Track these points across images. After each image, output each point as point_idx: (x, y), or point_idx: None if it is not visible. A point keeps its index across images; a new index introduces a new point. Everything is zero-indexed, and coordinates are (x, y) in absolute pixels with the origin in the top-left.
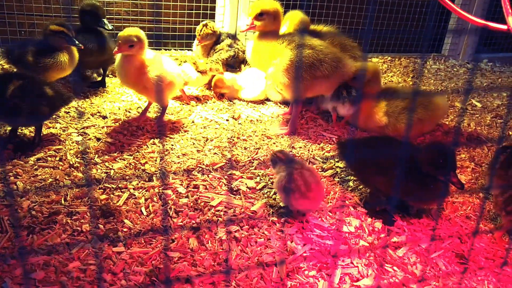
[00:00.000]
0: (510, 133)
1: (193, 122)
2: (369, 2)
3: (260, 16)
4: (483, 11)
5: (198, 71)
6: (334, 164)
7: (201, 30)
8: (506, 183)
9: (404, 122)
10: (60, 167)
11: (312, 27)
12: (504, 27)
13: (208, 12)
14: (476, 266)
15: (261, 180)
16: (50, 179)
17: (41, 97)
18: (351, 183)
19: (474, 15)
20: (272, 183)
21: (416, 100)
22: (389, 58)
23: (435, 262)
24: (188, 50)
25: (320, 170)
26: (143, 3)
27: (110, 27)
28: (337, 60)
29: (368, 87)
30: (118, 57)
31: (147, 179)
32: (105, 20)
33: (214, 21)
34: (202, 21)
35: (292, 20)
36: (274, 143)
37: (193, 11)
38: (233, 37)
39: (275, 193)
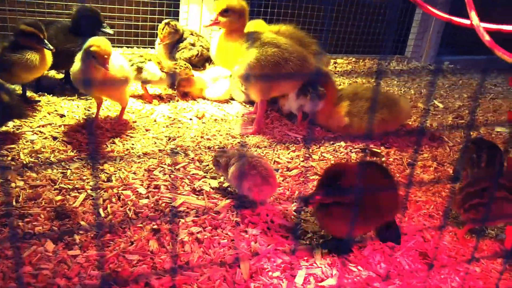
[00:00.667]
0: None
1: (155, 121)
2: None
3: (225, 12)
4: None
5: (164, 72)
6: (299, 164)
7: (163, 29)
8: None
9: (367, 122)
10: (11, 167)
11: (271, 27)
12: (467, 22)
13: (172, 9)
14: (439, 264)
15: (225, 180)
16: (1, 180)
17: None
18: (315, 183)
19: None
20: None
21: (378, 100)
22: (354, 59)
23: (399, 261)
24: (151, 48)
25: (285, 169)
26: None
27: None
28: (303, 59)
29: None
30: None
31: (105, 180)
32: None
33: (178, 18)
34: (165, 18)
35: (256, 28)
36: (239, 143)
37: (157, 8)
38: (197, 35)
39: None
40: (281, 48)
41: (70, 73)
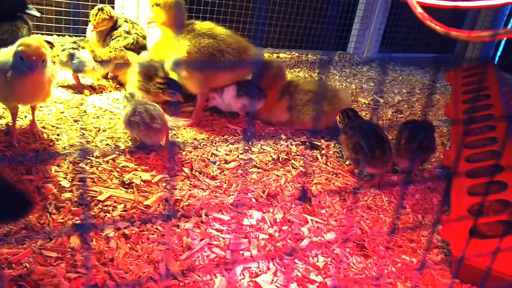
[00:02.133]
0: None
1: (84, 111)
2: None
3: (155, 5)
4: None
5: (97, 61)
6: (238, 156)
7: (96, 15)
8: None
9: (308, 114)
10: None
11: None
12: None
13: None
14: (377, 256)
15: (159, 173)
16: None
17: None
18: (254, 175)
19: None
20: (170, 175)
21: (317, 92)
22: (296, 54)
23: (336, 253)
24: (83, 35)
25: (223, 162)
26: None
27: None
28: (242, 51)
29: (274, 82)
30: None
31: (24, 172)
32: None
33: (113, 6)
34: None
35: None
36: (175, 135)
37: None
38: (132, 22)
39: (173, 187)
40: (217, 39)
41: None
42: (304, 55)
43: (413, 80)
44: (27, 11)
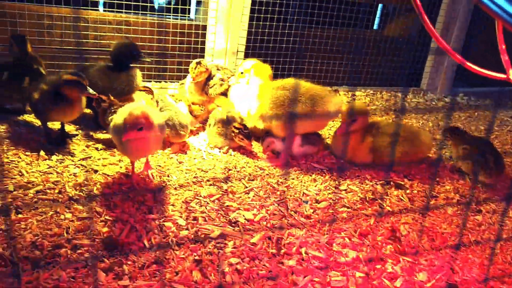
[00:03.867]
0: None
1: (186, 153)
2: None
3: (241, 73)
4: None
5: (193, 115)
6: (327, 196)
7: (195, 68)
8: None
9: (390, 156)
10: (60, 200)
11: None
12: (502, 76)
13: (199, 45)
14: None
15: (259, 212)
16: (51, 212)
17: None
18: (344, 215)
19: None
20: (269, 214)
21: (400, 134)
22: (371, 92)
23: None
24: (177, 81)
25: (314, 201)
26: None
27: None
28: (322, 102)
29: (357, 125)
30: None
31: (147, 212)
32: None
33: (204, 54)
34: (193, 56)
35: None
36: (267, 174)
37: (184, 45)
38: (223, 68)
39: (273, 225)
40: (290, 90)
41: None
42: (379, 92)
43: (490, 116)
44: (141, 59)
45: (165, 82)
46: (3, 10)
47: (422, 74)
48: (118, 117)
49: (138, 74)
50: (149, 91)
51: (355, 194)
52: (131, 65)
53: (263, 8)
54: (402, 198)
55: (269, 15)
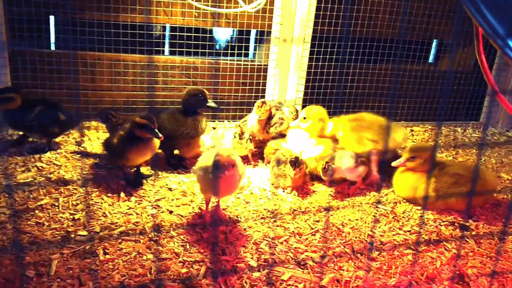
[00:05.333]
0: None
1: (251, 193)
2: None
3: (304, 119)
4: None
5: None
6: (392, 237)
7: (261, 107)
8: None
9: (454, 196)
10: (141, 241)
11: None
12: None
13: (261, 86)
14: None
15: (326, 254)
16: (134, 253)
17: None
18: (410, 257)
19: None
20: (335, 255)
21: (463, 174)
22: (430, 127)
23: None
24: (238, 120)
25: (379, 243)
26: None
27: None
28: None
29: (423, 166)
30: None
31: (220, 253)
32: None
33: (264, 95)
34: (255, 96)
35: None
36: (332, 215)
37: (247, 87)
38: (281, 105)
39: (341, 268)
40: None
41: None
42: (437, 127)
43: None
44: (208, 104)
45: (228, 121)
46: (85, 59)
47: (482, 108)
48: (204, 160)
49: (203, 120)
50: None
51: (420, 235)
52: (199, 110)
53: (322, 49)
54: (468, 240)
55: (327, 56)
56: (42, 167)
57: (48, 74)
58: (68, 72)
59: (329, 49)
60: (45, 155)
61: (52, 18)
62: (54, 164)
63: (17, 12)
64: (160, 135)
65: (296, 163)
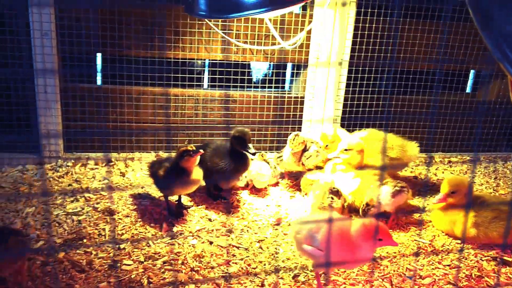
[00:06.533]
0: None
1: (289, 224)
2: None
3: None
4: None
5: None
6: (431, 271)
7: (294, 139)
8: None
9: (496, 231)
10: (183, 271)
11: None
12: None
13: (297, 118)
14: None
15: (364, 287)
16: (178, 283)
17: None
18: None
19: None
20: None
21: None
22: (468, 158)
23: None
24: (272, 151)
25: (418, 277)
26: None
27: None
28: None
29: (457, 198)
30: None
31: (260, 285)
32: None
33: (301, 126)
34: (292, 128)
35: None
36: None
37: (284, 119)
38: (317, 143)
39: None
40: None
41: None
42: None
43: None
44: (247, 149)
45: (265, 152)
46: (130, 94)
47: None
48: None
49: (247, 157)
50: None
51: (460, 270)
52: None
53: (358, 82)
54: (511, 276)
55: (363, 88)
56: (89, 197)
57: (96, 108)
58: (114, 106)
59: (365, 82)
60: (92, 185)
61: (99, 56)
62: (100, 194)
63: (68, 51)
64: (202, 150)
65: (337, 194)
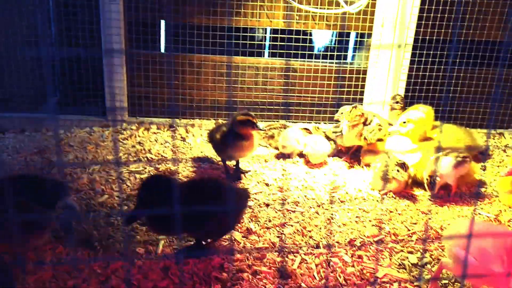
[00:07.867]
0: None
1: (347, 193)
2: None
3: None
4: None
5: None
6: None
7: (351, 112)
8: None
9: None
10: (239, 230)
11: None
12: None
13: (359, 89)
14: None
15: (423, 256)
16: (233, 240)
17: None
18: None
19: None
20: (434, 259)
21: None
22: None
23: None
24: (329, 123)
25: None
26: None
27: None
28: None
29: None
30: None
31: (314, 246)
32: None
33: (363, 98)
34: (353, 99)
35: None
36: (430, 219)
37: (345, 89)
38: (379, 117)
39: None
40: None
41: None
42: None
43: None
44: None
45: (324, 123)
46: (192, 60)
47: None
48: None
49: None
50: (308, 131)
51: None
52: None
53: (424, 52)
54: None
55: (430, 59)
56: (152, 158)
57: (159, 74)
58: (176, 73)
59: (431, 52)
60: (154, 148)
61: (162, 23)
62: (161, 156)
63: (134, 17)
64: (264, 128)
65: (403, 167)
